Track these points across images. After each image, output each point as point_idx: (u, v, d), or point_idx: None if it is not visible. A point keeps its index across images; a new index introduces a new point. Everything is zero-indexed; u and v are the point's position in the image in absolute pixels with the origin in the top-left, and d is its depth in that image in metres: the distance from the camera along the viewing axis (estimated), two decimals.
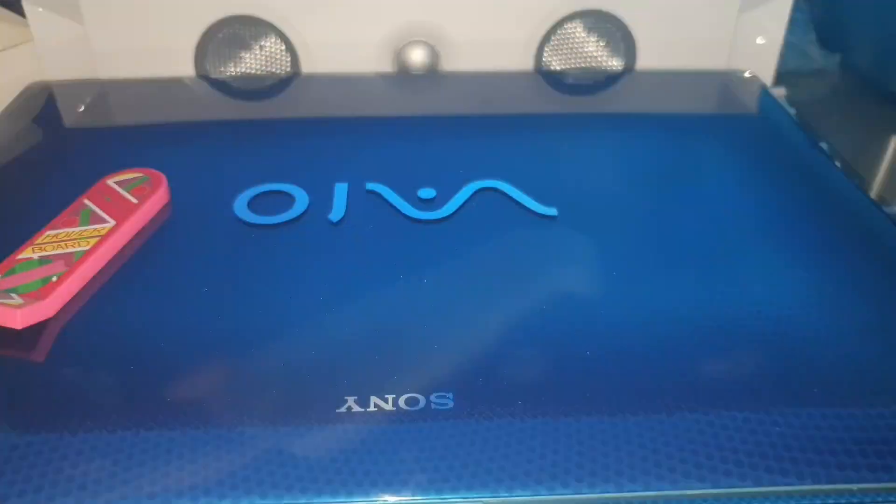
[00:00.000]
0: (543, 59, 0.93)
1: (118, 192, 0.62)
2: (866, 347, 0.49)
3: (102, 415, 0.43)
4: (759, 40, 0.94)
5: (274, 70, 0.91)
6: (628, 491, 0.39)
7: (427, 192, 0.64)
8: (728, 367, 0.47)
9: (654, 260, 0.57)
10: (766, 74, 0.94)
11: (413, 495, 0.39)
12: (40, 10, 0.86)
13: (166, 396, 0.45)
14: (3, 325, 0.49)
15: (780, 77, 0.98)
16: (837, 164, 0.71)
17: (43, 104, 0.84)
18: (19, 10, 0.89)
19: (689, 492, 0.39)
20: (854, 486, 0.39)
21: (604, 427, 0.42)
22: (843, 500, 0.40)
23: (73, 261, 0.54)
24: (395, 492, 0.39)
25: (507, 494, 0.39)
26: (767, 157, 0.73)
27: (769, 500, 0.39)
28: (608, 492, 0.39)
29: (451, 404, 0.44)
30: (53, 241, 0.56)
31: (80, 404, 0.44)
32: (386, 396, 0.44)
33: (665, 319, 0.51)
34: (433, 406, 0.44)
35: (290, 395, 0.45)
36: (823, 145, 0.75)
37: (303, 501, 0.39)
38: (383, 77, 0.91)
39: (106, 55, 0.89)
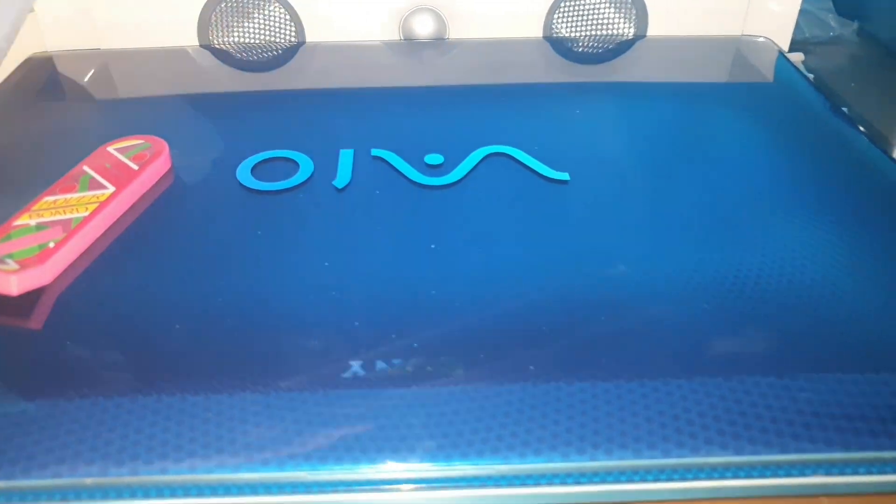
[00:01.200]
0: (553, 25, 0.90)
1: (118, 159, 0.60)
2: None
3: (100, 384, 0.42)
4: (774, 6, 0.91)
5: (278, 39, 0.89)
6: (647, 458, 0.37)
7: (434, 158, 0.62)
8: (750, 334, 0.45)
9: (672, 226, 0.55)
10: (782, 41, 0.91)
11: (421, 462, 0.37)
12: None
13: (166, 365, 0.43)
14: None
15: (796, 45, 0.95)
16: (862, 129, 0.69)
17: (45, 75, 0.82)
18: None
19: (711, 459, 0.37)
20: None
21: (620, 393, 0.40)
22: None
23: (71, 227, 0.52)
24: (403, 459, 0.37)
25: (519, 461, 0.37)
26: (789, 123, 0.71)
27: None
28: (625, 459, 0.37)
29: (459, 369, 0.42)
30: (51, 207, 0.54)
31: (79, 373, 0.43)
32: (392, 361, 0.42)
33: (681, 285, 0.49)
34: (441, 370, 0.42)
35: (292, 361, 0.43)
36: (845, 110, 0.73)
37: (306, 469, 0.37)
38: (389, 45, 0.89)
39: (108, 25, 0.87)
